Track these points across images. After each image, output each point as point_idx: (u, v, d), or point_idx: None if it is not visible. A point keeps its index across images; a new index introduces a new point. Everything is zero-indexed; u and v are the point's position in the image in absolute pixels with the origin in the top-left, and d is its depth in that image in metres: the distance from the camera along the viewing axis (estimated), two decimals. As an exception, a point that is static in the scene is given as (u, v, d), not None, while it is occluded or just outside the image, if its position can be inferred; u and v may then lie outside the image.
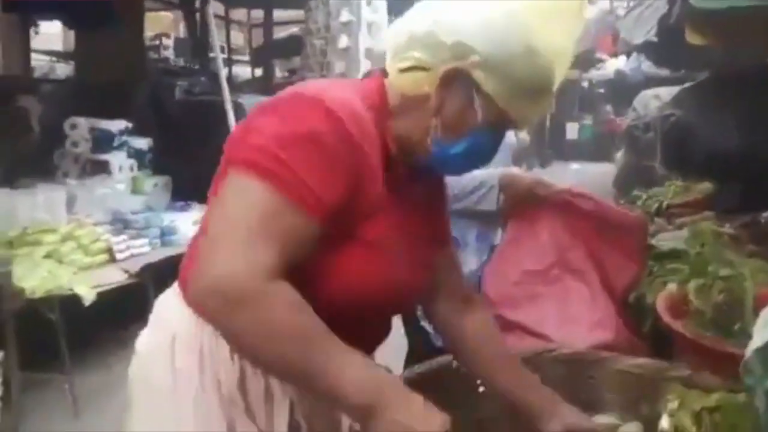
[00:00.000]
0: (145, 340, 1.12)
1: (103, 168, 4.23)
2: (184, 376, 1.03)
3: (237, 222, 0.87)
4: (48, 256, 3.08)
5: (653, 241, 1.88)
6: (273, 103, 0.97)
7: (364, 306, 1.00)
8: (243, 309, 0.84)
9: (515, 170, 1.97)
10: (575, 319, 1.62)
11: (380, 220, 1.00)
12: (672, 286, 1.55)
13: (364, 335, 1.01)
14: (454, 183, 1.89)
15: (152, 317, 1.14)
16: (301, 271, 0.91)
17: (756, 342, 0.99)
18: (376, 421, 0.87)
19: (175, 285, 1.13)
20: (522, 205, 1.84)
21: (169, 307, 1.10)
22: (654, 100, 4.78)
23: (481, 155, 1.08)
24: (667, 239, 1.86)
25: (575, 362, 1.31)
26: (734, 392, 1.13)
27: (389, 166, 1.02)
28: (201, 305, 0.89)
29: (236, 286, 0.83)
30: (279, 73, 8.35)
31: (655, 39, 3.82)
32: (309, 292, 0.89)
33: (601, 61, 12.36)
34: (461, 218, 1.92)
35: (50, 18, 6.53)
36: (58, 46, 10.24)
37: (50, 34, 9.12)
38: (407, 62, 1.02)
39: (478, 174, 1.89)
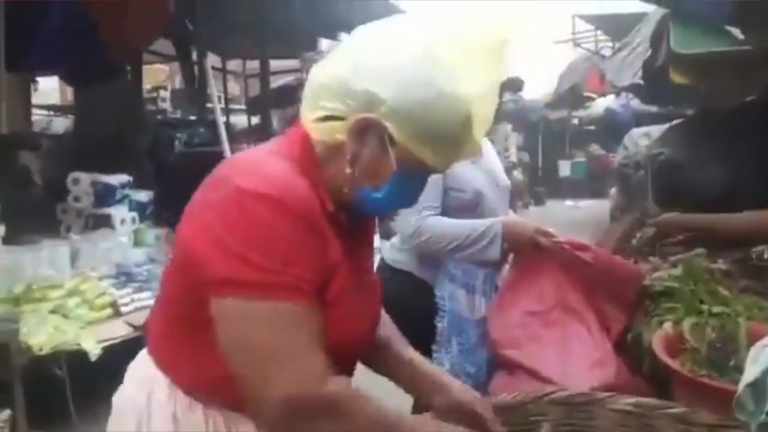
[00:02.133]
0: (121, 398, 1.15)
1: (105, 222, 4.28)
2: None
3: (268, 346, 0.93)
4: (54, 311, 3.11)
5: (647, 281, 1.93)
6: (219, 205, 0.96)
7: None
8: (324, 418, 0.93)
9: (517, 218, 2.04)
10: (576, 359, 1.66)
11: (337, 278, 1.03)
12: (668, 325, 1.59)
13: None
14: (457, 234, 1.96)
15: (128, 375, 1.18)
16: None
17: (747, 377, 1.03)
18: None
19: (144, 351, 1.16)
20: (520, 253, 1.91)
21: (146, 366, 1.13)
22: (643, 138, 4.87)
23: (406, 197, 1.10)
24: (661, 278, 1.91)
25: (573, 404, 1.35)
26: (730, 428, 1.17)
27: (332, 221, 1.03)
28: (281, 426, 0.93)
29: (309, 399, 0.92)
30: (276, 123, 8.45)
31: (640, 81, 3.93)
32: None
33: (590, 99, 12.58)
34: (469, 264, 1.98)
35: (50, 74, 6.66)
36: (55, 101, 10.39)
37: (47, 90, 9.24)
38: (320, 112, 1.02)
39: (481, 224, 1.96)
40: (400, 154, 0.99)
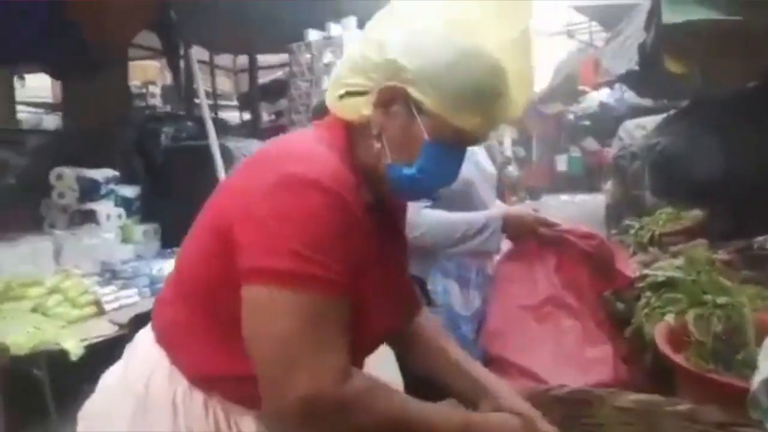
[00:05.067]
0: (115, 379, 1.10)
1: (90, 218, 4.18)
2: (155, 428, 1.01)
3: (294, 339, 0.88)
4: (34, 310, 3.02)
5: (648, 271, 1.86)
6: (268, 189, 0.91)
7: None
8: (344, 417, 0.90)
9: (518, 209, 1.97)
10: (569, 358, 1.58)
11: (368, 274, 0.98)
12: (670, 317, 1.52)
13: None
14: (455, 227, 1.88)
15: (126, 355, 1.12)
16: None
17: (763, 372, 0.97)
18: None
19: (147, 330, 1.11)
20: (518, 242, 1.84)
21: (144, 350, 1.08)
22: (638, 130, 4.81)
23: (442, 174, 1.03)
24: (662, 268, 1.84)
25: (572, 402, 1.27)
26: (741, 427, 1.10)
27: (368, 213, 0.98)
28: (298, 426, 0.90)
29: (329, 400, 0.88)
30: (266, 116, 8.38)
31: (637, 68, 3.85)
32: None
33: (584, 93, 12.52)
34: (463, 257, 1.90)
35: (34, 69, 6.55)
36: (47, 98, 10.28)
37: (38, 87, 9.14)
38: (342, 89, 1.00)
39: (481, 216, 1.88)
40: (432, 124, 0.96)
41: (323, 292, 0.89)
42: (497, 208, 1.99)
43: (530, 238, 1.84)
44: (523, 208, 2.01)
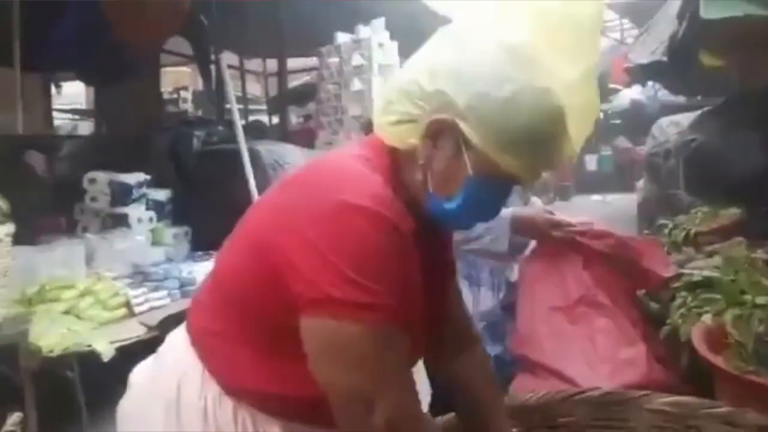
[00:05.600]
0: (147, 379, 1.10)
1: (122, 221, 4.23)
2: (186, 430, 1.01)
3: (368, 369, 0.89)
4: (66, 312, 3.06)
5: (683, 270, 1.80)
6: (321, 215, 0.89)
7: None
8: None
9: (529, 210, 1.90)
10: (602, 359, 1.54)
11: (407, 294, 0.94)
12: (707, 318, 1.47)
13: None
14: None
15: (159, 356, 1.13)
16: None
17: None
18: None
19: (182, 331, 1.10)
20: (540, 243, 1.79)
21: (177, 352, 1.08)
22: (672, 127, 4.69)
23: (482, 210, 1.00)
24: (698, 267, 1.78)
25: (606, 404, 1.23)
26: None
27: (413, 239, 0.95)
28: None
29: (411, 427, 0.93)
30: (294, 119, 8.43)
31: (663, 59, 3.74)
32: None
33: (615, 91, 12.34)
34: (473, 256, 1.87)
35: (70, 77, 6.69)
36: (81, 105, 10.50)
37: (73, 93, 9.33)
38: (394, 116, 0.97)
39: None
40: (477, 160, 0.92)
41: (388, 321, 0.89)
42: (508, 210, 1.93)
43: (545, 240, 1.79)
44: (533, 209, 1.94)
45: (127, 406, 1.13)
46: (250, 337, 0.99)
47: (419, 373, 1.15)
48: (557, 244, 1.75)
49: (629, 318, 1.62)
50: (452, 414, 1.24)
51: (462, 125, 0.91)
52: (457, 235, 1.83)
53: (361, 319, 0.87)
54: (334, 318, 0.87)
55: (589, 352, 1.56)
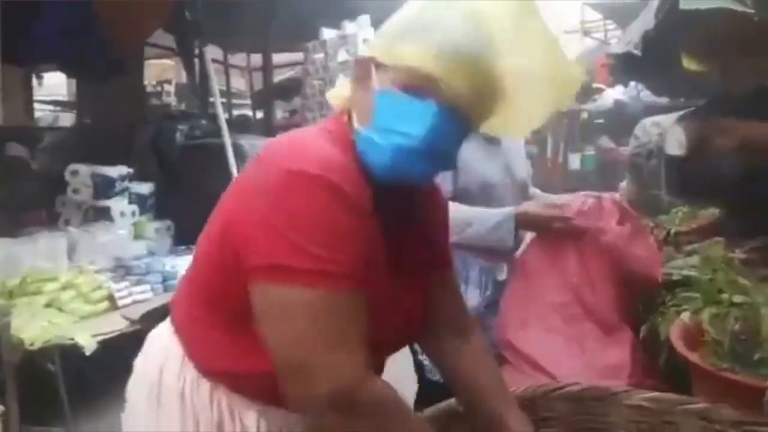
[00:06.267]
0: (137, 365, 1.15)
1: (104, 214, 4.21)
2: (166, 413, 1.05)
3: (309, 338, 0.87)
4: (48, 305, 3.05)
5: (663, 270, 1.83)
6: (269, 188, 0.90)
7: None
8: (362, 415, 0.90)
9: (532, 205, 1.93)
10: (588, 361, 1.56)
11: (372, 266, 0.95)
12: (685, 316, 1.49)
13: None
14: (468, 220, 1.86)
15: (146, 344, 1.16)
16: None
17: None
18: None
19: (168, 321, 1.14)
20: (540, 237, 1.82)
21: (162, 340, 1.12)
22: (654, 127, 4.73)
23: (401, 129, 0.91)
24: (677, 266, 1.81)
25: (585, 399, 1.25)
26: (756, 425, 1.08)
27: (375, 203, 0.95)
28: (331, 416, 0.90)
29: (350, 396, 0.88)
30: (280, 114, 8.40)
31: (636, 51, 3.76)
32: None
33: (599, 91, 12.43)
34: (466, 253, 1.88)
35: (51, 68, 6.61)
36: (63, 96, 10.37)
37: (53, 85, 9.22)
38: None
39: (494, 212, 1.86)
40: (383, 76, 0.94)
41: (334, 287, 0.87)
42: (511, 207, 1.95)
43: (548, 234, 1.82)
44: (537, 203, 1.96)
45: (128, 389, 1.16)
46: (216, 318, 1.01)
47: (401, 365, 1.16)
48: (557, 236, 1.77)
49: (616, 317, 1.64)
50: (452, 400, 1.22)
51: (377, 51, 0.95)
52: (461, 231, 1.85)
53: (304, 285, 0.86)
54: (274, 283, 0.87)
55: (576, 354, 1.58)
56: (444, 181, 1.76)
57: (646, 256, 1.78)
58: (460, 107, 0.92)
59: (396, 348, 1.15)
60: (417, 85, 0.91)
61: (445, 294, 1.19)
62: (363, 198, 0.92)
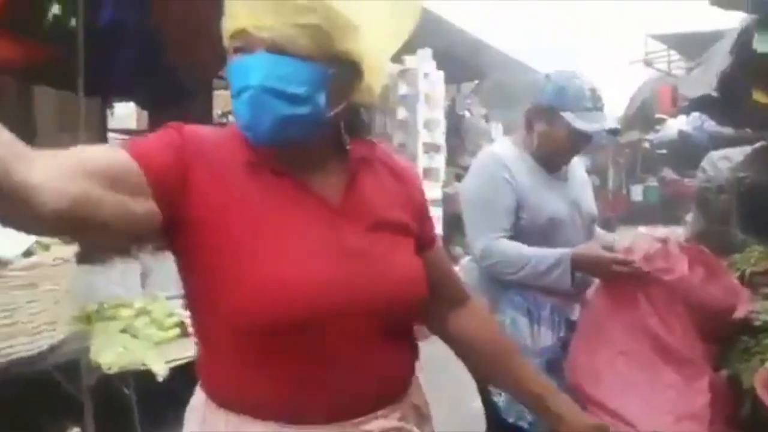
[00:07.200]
0: (197, 390, 1.20)
1: (176, 242, 4.32)
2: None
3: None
4: (123, 330, 3.15)
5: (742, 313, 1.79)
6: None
7: (285, 315, 0.99)
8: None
9: (591, 247, 1.90)
10: (664, 408, 1.53)
11: (241, 216, 1.02)
12: (770, 364, 1.46)
13: (339, 359, 1.02)
14: (525, 261, 1.86)
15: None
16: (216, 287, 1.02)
17: None
18: None
19: None
20: (609, 281, 1.80)
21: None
22: (724, 161, 4.63)
23: (234, 87, 1.03)
24: (759, 311, 1.76)
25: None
26: None
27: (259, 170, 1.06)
28: None
29: None
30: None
31: (714, 93, 3.71)
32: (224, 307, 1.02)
33: (661, 121, 12.18)
34: (537, 292, 1.88)
35: (126, 99, 6.92)
36: (131, 126, 10.80)
37: (122, 115, 9.62)
38: None
39: (551, 253, 1.86)
40: (229, 45, 1.05)
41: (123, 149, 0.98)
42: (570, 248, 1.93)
43: (610, 279, 1.79)
44: (594, 245, 1.93)
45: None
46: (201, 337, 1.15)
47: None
48: (622, 281, 1.75)
49: (695, 363, 1.61)
50: None
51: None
52: (518, 270, 1.84)
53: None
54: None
55: (651, 401, 1.55)
56: (497, 219, 1.83)
57: (726, 293, 1.74)
58: (277, 47, 0.97)
59: (396, 303, 1.06)
60: (237, 47, 1.01)
61: (435, 271, 1.18)
62: (200, 140, 1.08)
